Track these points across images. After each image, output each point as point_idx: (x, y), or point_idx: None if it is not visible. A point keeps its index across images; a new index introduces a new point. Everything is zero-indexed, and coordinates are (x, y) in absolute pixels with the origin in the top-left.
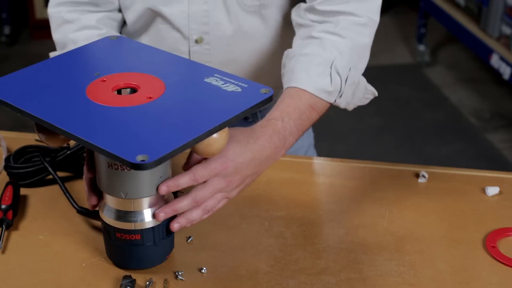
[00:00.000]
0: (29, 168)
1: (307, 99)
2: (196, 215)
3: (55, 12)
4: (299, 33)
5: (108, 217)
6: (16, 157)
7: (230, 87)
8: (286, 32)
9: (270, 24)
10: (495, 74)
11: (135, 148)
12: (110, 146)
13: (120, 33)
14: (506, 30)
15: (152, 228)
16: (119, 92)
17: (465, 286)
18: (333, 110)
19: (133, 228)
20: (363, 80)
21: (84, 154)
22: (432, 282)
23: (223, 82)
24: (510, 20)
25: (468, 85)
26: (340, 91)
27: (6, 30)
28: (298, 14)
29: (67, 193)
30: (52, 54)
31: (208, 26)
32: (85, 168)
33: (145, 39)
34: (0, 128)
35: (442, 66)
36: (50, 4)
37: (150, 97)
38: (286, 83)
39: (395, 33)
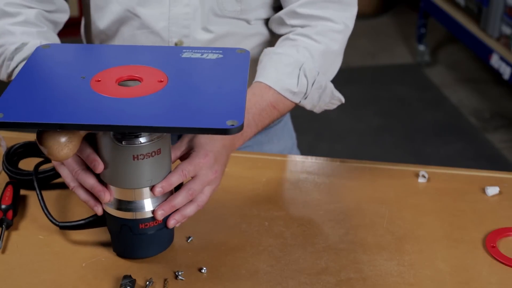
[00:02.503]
0: (24, 176)
1: (269, 97)
2: (191, 210)
3: None
4: (280, 38)
5: (131, 212)
6: (15, 155)
7: (211, 56)
8: (269, 32)
9: (252, 26)
10: (495, 74)
11: (218, 116)
12: (193, 123)
13: (88, 39)
14: (506, 30)
15: None
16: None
17: (465, 286)
18: (333, 110)
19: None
20: (330, 85)
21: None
22: (432, 282)
23: (200, 54)
24: (510, 20)
25: (468, 85)
26: (305, 94)
27: None
28: (278, 26)
29: (45, 209)
30: None
31: (188, 30)
32: (96, 164)
33: (118, 44)
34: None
35: (442, 66)
36: None
37: (161, 81)
38: (256, 77)
39: (395, 33)
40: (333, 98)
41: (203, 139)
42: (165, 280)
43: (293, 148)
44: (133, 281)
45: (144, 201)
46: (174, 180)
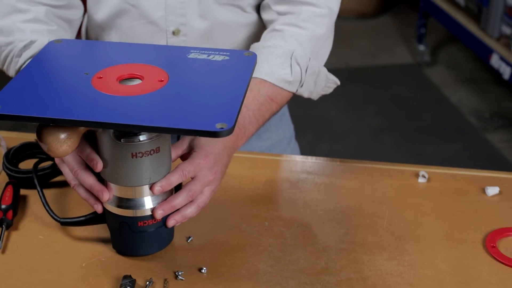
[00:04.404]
0: (24, 174)
1: (266, 90)
2: (191, 211)
3: None
4: (267, 28)
5: (130, 209)
6: (14, 157)
7: (217, 57)
8: (262, 21)
9: (247, 14)
10: (495, 74)
11: (208, 119)
12: (182, 124)
13: (87, 33)
14: (506, 30)
15: None
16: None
17: (465, 286)
18: (333, 110)
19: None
20: (324, 69)
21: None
22: (432, 282)
23: (207, 55)
24: (510, 20)
25: (468, 85)
26: (301, 81)
27: None
28: (265, 11)
29: (46, 205)
30: None
31: (185, 18)
32: (95, 163)
33: (114, 37)
34: (0, 128)
35: (442, 66)
36: None
37: (162, 80)
38: None
39: (395, 33)
40: (328, 82)
41: (203, 140)
42: (165, 280)
43: (291, 140)
44: (133, 281)
45: (144, 199)
46: (174, 179)
